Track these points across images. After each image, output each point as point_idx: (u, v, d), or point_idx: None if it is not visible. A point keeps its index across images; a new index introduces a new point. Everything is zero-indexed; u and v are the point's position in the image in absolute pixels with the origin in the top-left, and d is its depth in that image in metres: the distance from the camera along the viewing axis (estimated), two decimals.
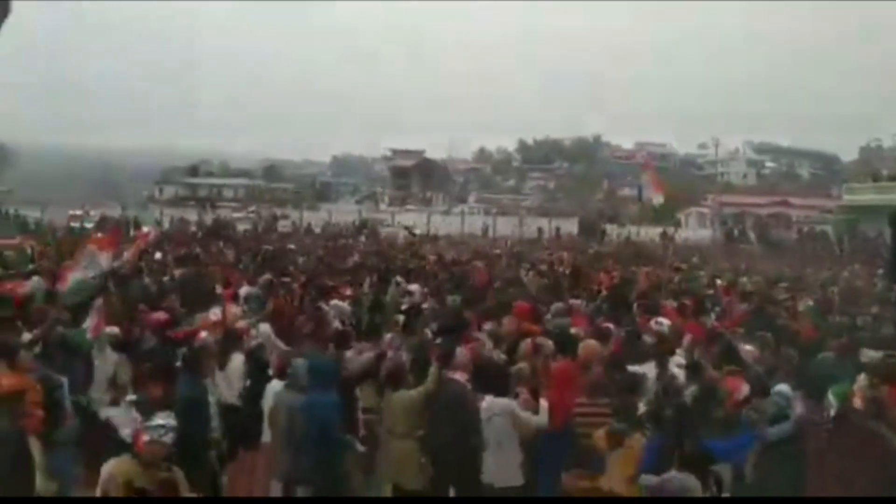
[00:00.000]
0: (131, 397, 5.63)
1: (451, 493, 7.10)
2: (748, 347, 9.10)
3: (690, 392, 7.32)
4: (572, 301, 12.33)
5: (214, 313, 9.66)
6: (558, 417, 7.06)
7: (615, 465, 5.96)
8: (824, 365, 8.65)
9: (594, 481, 6.32)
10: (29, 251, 20.06)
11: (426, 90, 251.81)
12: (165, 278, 14.14)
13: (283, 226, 40.00)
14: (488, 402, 6.88)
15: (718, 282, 17.20)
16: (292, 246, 24.70)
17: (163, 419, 5.11)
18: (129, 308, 9.94)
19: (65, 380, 7.29)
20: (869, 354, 8.73)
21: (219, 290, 12.86)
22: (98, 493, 5.08)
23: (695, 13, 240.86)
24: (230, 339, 8.31)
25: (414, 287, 13.19)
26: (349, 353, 8.32)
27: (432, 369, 7.16)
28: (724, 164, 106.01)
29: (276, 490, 7.03)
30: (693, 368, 7.91)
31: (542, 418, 6.90)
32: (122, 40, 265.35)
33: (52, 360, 7.53)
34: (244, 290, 12.46)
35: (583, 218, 54.12)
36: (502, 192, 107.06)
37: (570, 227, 48.25)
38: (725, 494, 6.44)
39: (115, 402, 7.47)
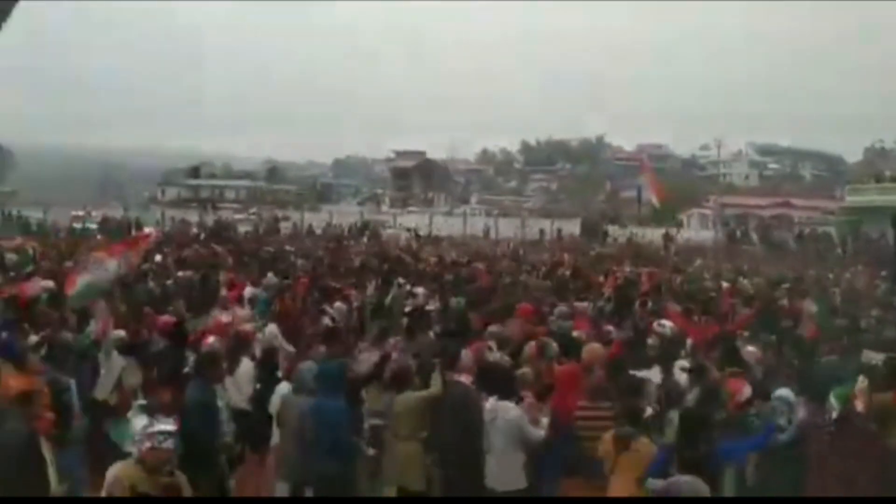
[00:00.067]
0: (141, 402, 5.58)
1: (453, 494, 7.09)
2: (751, 349, 9.08)
3: (693, 395, 7.29)
4: (577, 304, 12.32)
5: (224, 315, 9.66)
6: (561, 421, 7.03)
7: (622, 469, 5.92)
8: (827, 367, 8.62)
9: (596, 489, 6.30)
10: (31, 252, 20.07)
11: (427, 90, 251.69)
12: (169, 281, 14.14)
13: (285, 227, 39.96)
14: (492, 405, 6.86)
15: (725, 284, 17.16)
16: (290, 247, 24.74)
17: (164, 425, 5.08)
18: (135, 311, 9.95)
19: (73, 382, 7.31)
20: (871, 356, 8.71)
21: (223, 292, 12.95)
22: (103, 496, 5.09)
23: (695, 13, 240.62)
24: (239, 343, 8.30)
25: (419, 290, 13.21)
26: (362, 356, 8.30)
27: (435, 373, 7.15)
28: (727, 165, 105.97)
29: (282, 492, 7.03)
30: (696, 371, 7.89)
31: (542, 431, 6.88)
32: (123, 40, 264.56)
33: (59, 363, 7.54)
34: (248, 292, 12.46)
35: (585, 219, 54.13)
36: (504, 194, 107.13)
37: (573, 228, 48.22)
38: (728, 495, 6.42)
39: (122, 406, 7.46)
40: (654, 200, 59.39)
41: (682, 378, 7.92)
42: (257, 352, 8.45)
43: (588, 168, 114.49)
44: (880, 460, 6.06)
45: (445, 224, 46.02)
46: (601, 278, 17.38)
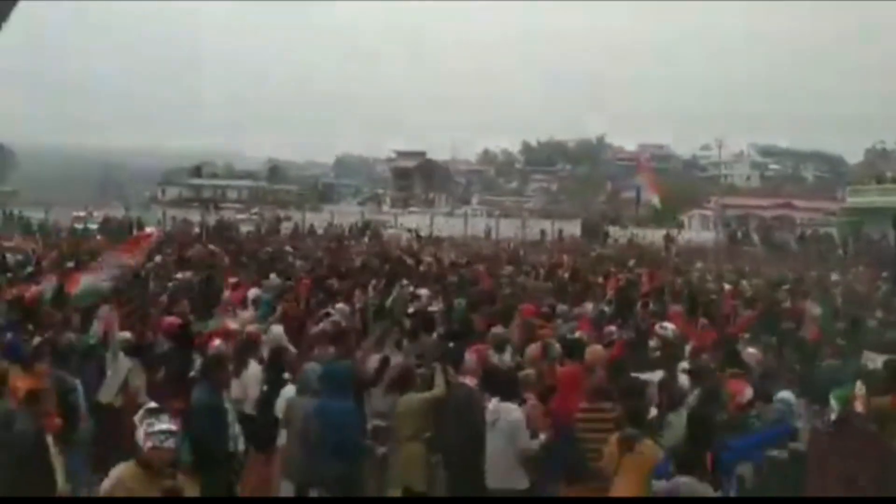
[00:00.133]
0: (151, 405, 5.59)
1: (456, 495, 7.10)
2: (751, 351, 9.09)
3: (694, 397, 7.29)
4: (578, 307, 12.35)
5: (231, 322, 9.69)
6: (562, 422, 7.05)
7: (625, 471, 5.92)
8: (828, 370, 8.62)
9: (597, 490, 6.30)
10: (31, 253, 20.09)
11: (427, 90, 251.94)
12: (171, 283, 14.14)
13: (286, 227, 39.98)
14: (494, 406, 6.87)
15: (727, 286, 17.16)
16: (290, 248, 24.77)
17: (167, 424, 5.01)
18: (140, 312, 9.97)
19: (78, 382, 7.31)
20: (871, 357, 8.71)
21: (226, 293, 12.98)
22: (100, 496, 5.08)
23: (695, 13, 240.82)
24: (246, 345, 8.31)
25: (422, 291, 13.22)
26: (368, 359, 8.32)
27: (438, 374, 7.16)
28: (728, 165, 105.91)
29: (288, 493, 7.05)
30: (697, 373, 7.90)
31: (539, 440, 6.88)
32: (123, 40, 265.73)
33: (63, 364, 7.57)
34: (252, 294, 12.47)
35: (586, 220, 54.17)
36: (505, 194, 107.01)
37: (573, 229, 48.26)
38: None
39: (127, 408, 7.47)
40: (655, 199, 59.63)
41: (683, 380, 7.93)
42: (264, 353, 8.45)
43: (589, 169, 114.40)
44: (880, 460, 6.06)
45: (446, 224, 46.04)
46: (600, 279, 17.43)
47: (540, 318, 10.89)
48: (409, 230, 40.45)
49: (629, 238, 41.55)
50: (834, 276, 21.71)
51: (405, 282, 14.20)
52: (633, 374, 7.61)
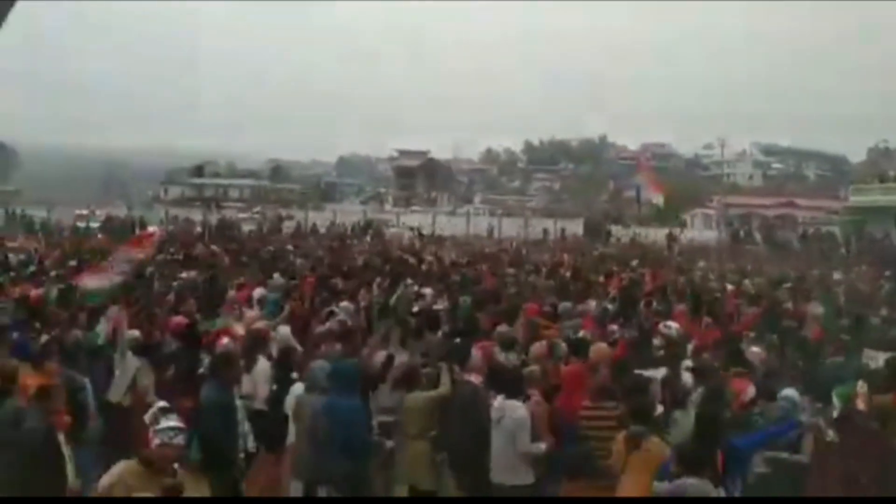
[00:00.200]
0: (162, 404, 5.60)
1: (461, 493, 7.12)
2: (755, 349, 9.09)
3: (698, 395, 7.28)
4: (582, 305, 12.37)
5: (238, 326, 9.72)
6: (566, 420, 7.05)
7: (632, 469, 5.92)
8: (831, 368, 8.62)
9: (600, 489, 6.30)
10: (34, 252, 20.14)
11: (427, 90, 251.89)
12: (175, 282, 14.16)
13: (288, 226, 40.00)
14: (499, 403, 6.89)
15: (729, 287, 17.15)
16: (291, 247, 24.80)
17: (174, 421, 5.06)
18: (147, 312, 9.99)
19: (87, 381, 7.33)
20: (872, 356, 8.71)
21: (231, 292, 13.00)
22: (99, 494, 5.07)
23: (695, 13, 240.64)
24: (255, 342, 8.32)
25: (427, 290, 13.24)
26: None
27: (444, 372, 7.18)
28: (730, 164, 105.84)
29: (296, 491, 7.06)
30: (700, 371, 7.89)
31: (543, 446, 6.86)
32: (124, 40, 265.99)
33: (71, 362, 7.59)
34: (257, 293, 12.49)
35: (588, 219, 54.12)
36: (508, 193, 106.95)
37: (576, 228, 48.24)
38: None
39: (136, 407, 7.48)
40: (656, 198, 59.61)
41: (686, 377, 7.93)
42: (273, 352, 8.47)
43: (591, 168, 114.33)
44: (882, 459, 6.05)
45: (449, 224, 46.03)
46: (601, 278, 17.46)
47: (543, 317, 10.92)
48: (412, 229, 40.45)
49: (632, 237, 41.51)
50: (836, 276, 21.66)
51: (409, 281, 14.23)
52: (637, 372, 7.63)
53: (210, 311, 10.79)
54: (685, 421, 6.69)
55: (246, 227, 37.83)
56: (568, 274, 18.17)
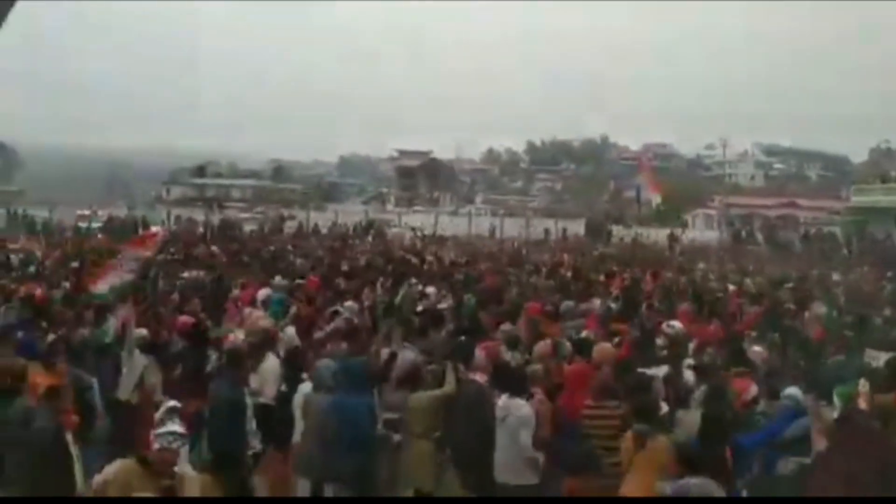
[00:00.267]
0: (172, 403, 5.59)
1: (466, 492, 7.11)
2: (757, 349, 9.11)
3: (700, 393, 7.30)
4: (586, 304, 12.41)
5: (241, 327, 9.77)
6: (569, 419, 7.06)
7: (637, 468, 5.93)
8: (833, 368, 8.63)
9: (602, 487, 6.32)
10: (38, 253, 20.18)
11: (428, 90, 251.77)
12: (179, 282, 14.19)
13: (290, 226, 40.01)
14: (504, 402, 6.91)
15: (731, 287, 17.19)
16: (290, 247, 24.82)
17: (175, 426, 5.03)
18: (153, 310, 10.02)
19: (95, 381, 7.36)
20: (874, 356, 8.72)
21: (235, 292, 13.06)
22: (90, 495, 5.05)
23: (695, 13, 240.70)
24: (264, 341, 8.34)
25: (430, 289, 13.27)
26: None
27: (449, 371, 7.18)
28: (732, 165, 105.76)
29: (303, 489, 7.08)
30: (702, 370, 7.92)
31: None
32: (124, 40, 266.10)
33: (79, 361, 7.63)
34: (262, 294, 12.52)
35: (589, 219, 54.11)
36: (509, 194, 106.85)
37: (577, 228, 48.25)
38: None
39: (143, 405, 7.49)
40: (655, 198, 59.57)
41: (689, 376, 7.95)
42: (281, 350, 8.51)
43: (593, 168, 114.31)
44: (884, 459, 6.05)
45: (451, 224, 46.07)
46: (602, 277, 17.51)
47: (545, 316, 10.94)
48: (413, 229, 40.48)
49: (633, 237, 41.50)
50: (837, 276, 21.66)
51: (413, 280, 14.29)
52: (640, 370, 7.66)
53: (215, 311, 10.82)
54: (688, 420, 6.70)
55: (248, 228, 37.82)
56: (568, 273, 18.21)
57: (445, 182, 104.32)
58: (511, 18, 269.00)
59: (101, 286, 9.22)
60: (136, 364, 8.03)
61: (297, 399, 7.36)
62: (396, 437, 7.39)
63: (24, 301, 11.15)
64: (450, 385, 7.19)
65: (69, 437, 6.14)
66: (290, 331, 9.45)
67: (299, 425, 7.24)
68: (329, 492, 6.84)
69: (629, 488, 5.92)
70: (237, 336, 9.38)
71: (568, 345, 8.55)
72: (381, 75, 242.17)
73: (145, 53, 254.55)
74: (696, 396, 7.28)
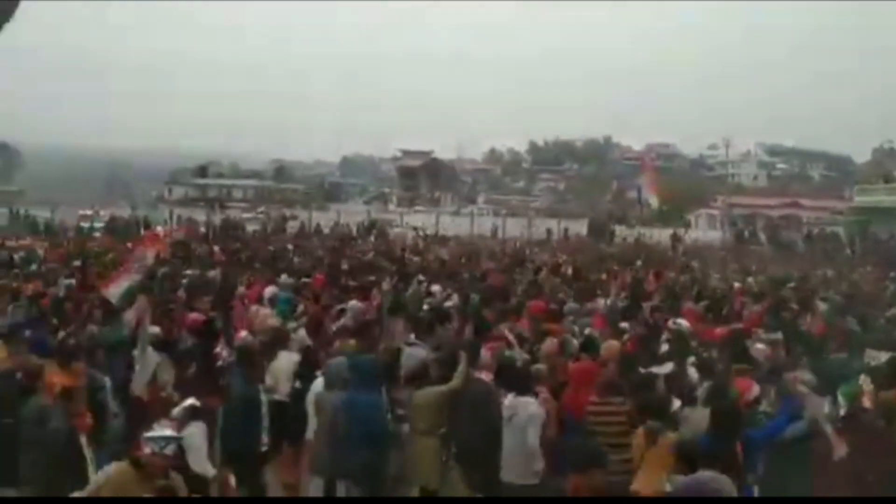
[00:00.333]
0: (191, 401, 5.55)
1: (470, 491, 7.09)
2: (760, 346, 9.10)
3: (703, 390, 7.29)
4: (591, 303, 12.44)
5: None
6: (574, 416, 7.07)
7: (647, 464, 5.92)
8: (835, 365, 8.63)
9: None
10: (40, 251, 20.23)
11: (428, 90, 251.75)
12: (184, 280, 14.21)
13: (292, 227, 40.02)
14: (511, 401, 6.89)
15: (736, 284, 17.21)
16: (290, 246, 24.85)
17: (168, 431, 5.01)
18: (166, 308, 10.03)
19: (107, 379, 7.39)
20: (874, 356, 8.71)
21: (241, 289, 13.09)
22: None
23: (695, 12, 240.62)
24: (276, 339, 8.36)
25: (436, 288, 13.29)
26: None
27: (461, 368, 7.15)
28: (735, 165, 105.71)
29: (316, 486, 7.07)
30: (704, 367, 7.92)
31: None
32: (127, 40, 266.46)
33: (91, 359, 7.63)
34: (268, 292, 12.54)
35: (592, 219, 54.09)
36: (512, 193, 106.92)
37: (580, 228, 48.22)
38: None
39: (153, 402, 7.48)
40: (653, 200, 59.49)
41: (692, 374, 7.95)
42: (294, 348, 8.54)
43: (596, 168, 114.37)
44: (888, 457, 6.04)
45: (452, 223, 46.06)
46: (603, 276, 17.55)
47: (549, 314, 10.94)
48: (415, 229, 40.51)
49: (636, 237, 41.48)
50: (829, 273, 21.63)
51: (421, 278, 14.35)
52: (646, 369, 7.65)
53: (222, 309, 10.83)
54: (695, 417, 6.67)
55: (250, 228, 37.83)
56: (569, 271, 18.30)
57: (447, 182, 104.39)
58: (512, 18, 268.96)
59: (114, 290, 9.23)
60: (149, 361, 8.04)
61: (310, 396, 7.37)
62: (405, 427, 7.37)
63: (32, 299, 11.20)
64: (457, 380, 7.13)
65: (83, 439, 6.12)
66: (302, 333, 9.45)
67: (312, 423, 7.25)
68: (341, 489, 6.84)
69: (640, 485, 5.90)
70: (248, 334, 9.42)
71: (575, 342, 8.54)
72: (381, 75, 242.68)
73: (149, 53, 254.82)
74: (700, 394, 7.26)
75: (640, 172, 69.77)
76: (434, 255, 23.31)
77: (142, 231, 33.01)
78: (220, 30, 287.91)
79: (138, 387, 7.91)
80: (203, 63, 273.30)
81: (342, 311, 10.52)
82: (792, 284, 17.37)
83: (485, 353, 7.77)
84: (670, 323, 9.99)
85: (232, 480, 5.59)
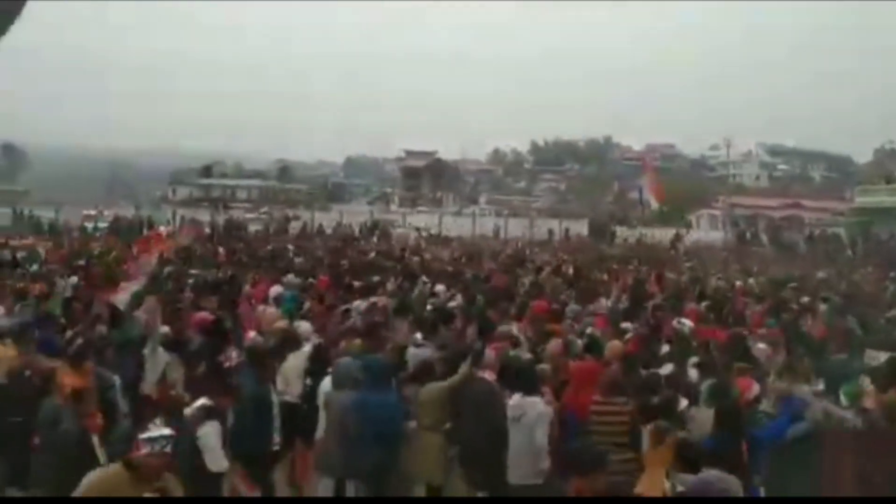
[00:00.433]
0: (203, 401, 5.59)
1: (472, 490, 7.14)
2: (761, 346, 9.16)
3: (704, 390, 7.35)
4: (594, 304, 12.50)
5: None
6: (576, 416, 7.12)
7: (652, 463, 5.97)
8: (837, 365, 8.69)
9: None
10: (41, 251, 20.29)
11: (430, 91, 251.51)
12: (190, 280, 14.30)
13: (294, 227, 40.07)
14: (517, 401, 6.88)
15: (738, 283, 17.27)
16: (290, 246, 24.93)
17: (164, 430, 4.88)
18: (175, 307, 10.10)
19: (117, 378, 7.42)
20: (874, 356, 8.77)
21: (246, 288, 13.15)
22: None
23: (696, 12, 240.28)
24: (286, 340, 8.42)
25: (440, 288, 13.35)
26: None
27: (464, 366, 7.21)
28: (736, 165, 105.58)
29: (325, 486, 7.10)
30: (705, 367, 7.97)
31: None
32: (130, 40, 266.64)
33: (100, 359, 7.67)
34: (273, 291, 12.60)
35: (593, 220, 54.07)
36: (513, 194, 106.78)
37: (581, 228, 48.22)
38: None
39: (162, 401, 7.54)
40: (652, 200, 59.45)
41: (692, 374, 8.02)
42: (306, 349, 8.59)
43: (597, 168, 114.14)
44: (894, 457, 6.07)
45: (454, 224, 46.07)
46: (604, 277, 17.62)
47: (551, 315, 11.00)
48: (417, 229, 40.56)
49: (637, 238, 41.48)
50: (829, 273, 21.66)
51: (425, 279, 14.41)
52: (648, 370, 7.72)
53: (229, 309, 10.91)
54: (700, 417, 6.71)
55: (253, 228, 37.87)
56: (570, 271, 18.37)
57: (449, 182, 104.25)
58: (513, 18, 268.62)
59: (122, 297, 9.32)
60: (158, 361, 8.11)
61: (320, 396, 7.41)
62: (412, 425, 7.42)
63: (39, 299, 11.26)
64: (458, 376, 7.17)
65: (95, 439, 6.17)
66: (304, 326, 9.50)
67: (322, 422, 7.28)
68: (351, 489, 6.87)
69: (643, 486, 5.94)
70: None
71: (579, 343, 8.61)
72: (383, 76, 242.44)
73: (151, 54, 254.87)
74: (701, 393, 7.32)
75: (642, 173, 69.71)
76: (432, 254, 23.38)
77: (145, 231, 33.14)
78: (220, 30, 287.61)
79: (148, 386, 7.98)
80: (204, 63, 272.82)
81: (347, 312, 10.59)
82: (793, 285, 17.42)
83: (489, 353, 7.81)
84: (674, 323, 10.05)
85: (244, 480, 5.63)
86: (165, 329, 8.64)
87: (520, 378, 7.12)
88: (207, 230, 33.29)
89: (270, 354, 7.78)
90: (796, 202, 65.84)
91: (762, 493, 6.51)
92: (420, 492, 7.35)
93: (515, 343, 8.87)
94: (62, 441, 5.93)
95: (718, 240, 45.27)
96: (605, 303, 12.86)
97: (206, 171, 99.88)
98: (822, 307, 13.29)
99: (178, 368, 8.13)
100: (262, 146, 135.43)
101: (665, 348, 9.37)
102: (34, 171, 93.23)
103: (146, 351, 8.19)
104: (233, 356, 7.91)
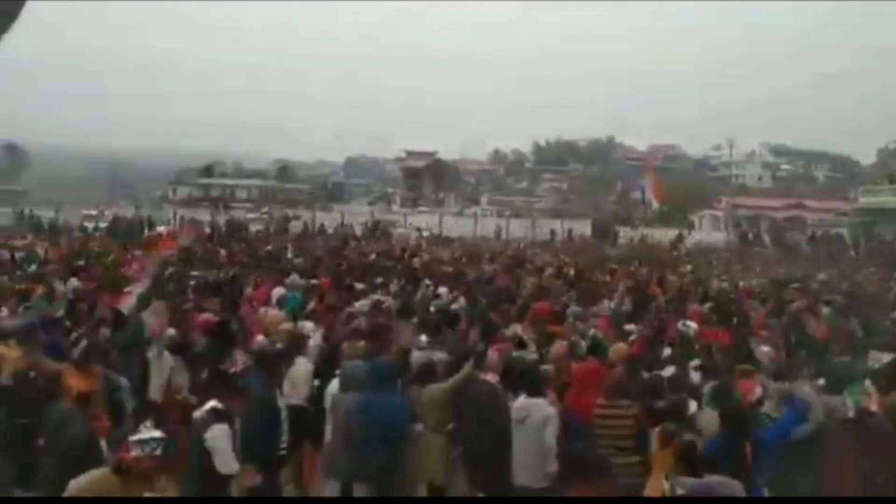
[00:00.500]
0: (213, 404, 5.51)
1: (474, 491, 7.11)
2: (764, 349, 9.12)
3: (706, 392, 7.30)
4: (597, 306, 12.47)
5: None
6: (579, 418, 7.06)
7: (657, 465, 5.90)
8: (840, 367, 8.64)
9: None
10: (40, 251, 20.26)
11: (430, 91, 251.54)
12: (192, 282, 14.26)
13: (295, 227, 40.06)
14: (521, 403, 6.85)
15: (741, 284, 17.23)
16: (289, 246, 24.93)
17: (155, 432, 4.83)
18: (181, 310, 10.06)
19: (124, 380, 7.40)
20: (876, 357, 8.72)
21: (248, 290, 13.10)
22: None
23: (696, 11, 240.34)
24: (294, 343, 8.38)
25: (443, 289, 13.31)
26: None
27: (466, 367, 7.18)
28: (739, 165, 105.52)
29: (332, 489, 7.08)
30: (707, 369, 7.93)
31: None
32: (131, 41, 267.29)
33: (107, 361, 7.65)
34: (276, 293, 12.53)
35: (596, 220, 54.04)
36: (515, 194, 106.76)
37: (584, 228, 48.18)
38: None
39: (167, 404, 7.47)
40: (654, 201, 59.48)
41: (694, 376, 7.97)
42: (312, 351, 8.56)
43: (599, 168, 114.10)
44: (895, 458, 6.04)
45: (456, 224, 46.04)
46: (607, 278, 17.58)
47: (553, 316, 10.96)
48: (418, 229, 40.54)
49: (640, 238, 41.44)
50: (821, 276, 21.62)
51: (429, 281, 14.39)
52: (650, 372, 7.65)
53: (231, 310, 10.87)
54: (705, 419, 6.69)
55: (254, 228, 37.86)
56: (571, 273, 18.33)
57: (450, 183, 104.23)
58: (514, 18, 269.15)
59: (128, 302, 9.29)
60: (164, 364, 8.06)
61: (327, 399, 7.39)
62: (419, 427, 7.39)
63: (42, 300, 11.21)
64: (459, 377, 7.14)
65: (102, 443, 6.12)
66: (308, 325, 9.46)
67: (328, 425, 7.26)
68: (358, 492, 6.85)
69: (647, 485, 5.88)
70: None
71: (583, 344, 8.56)
72: (383, 76, 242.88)
73: (152, 54, 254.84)
74: (704, 395, 7.28)
75: (644, 173, 69.68)
76: (431, 255, 23.35)
77: (146, 231, 33.14)
78: (220, 30, 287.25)
79: (154, 390, 7.92)
80: (203, 63, 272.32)
81: (351, 316, 10.52)
82: (796, 286, 17.36)
83: (492, 355, 7.78)
84: (680, 324, 10.00)
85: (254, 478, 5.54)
86: (172, 332, 8.58)
87: (524, 379, 7.08)
88: (207, 230, 33.30)
89: (278, 358, 7.74)
90: (799, 202, 65.79)
91: (766, 494, 6.45)
92: (423, 492, 7.31)
93: (522, 345, 8.79)
94: (70, 444, 5.88)
95: (720, 240, 45.25)
96: (607, 304, 12.79)
97: (206, 170, 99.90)
98: (826, 310, 13.21)
99: (183, 373, 8.11)
100: (262, 146, 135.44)
101: (667, 351, 9.34)
102: (34, 171, 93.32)
103: (150, 355, 8.14)
104: (238, 361, 7.85)
